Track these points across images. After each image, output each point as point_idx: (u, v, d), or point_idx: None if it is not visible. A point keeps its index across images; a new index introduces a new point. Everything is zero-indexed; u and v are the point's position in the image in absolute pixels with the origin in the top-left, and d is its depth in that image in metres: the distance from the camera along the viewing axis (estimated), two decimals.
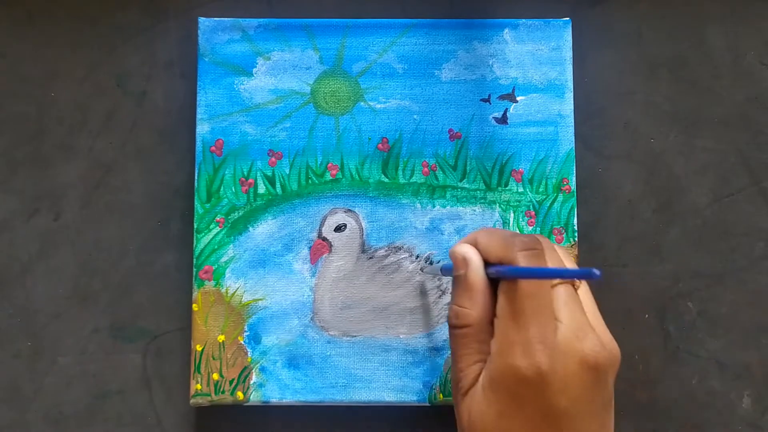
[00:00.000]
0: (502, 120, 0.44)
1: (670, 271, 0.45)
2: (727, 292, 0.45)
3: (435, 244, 0.44)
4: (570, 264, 0.37)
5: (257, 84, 0.44)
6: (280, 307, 0.43)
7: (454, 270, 0.35)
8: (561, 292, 0.33)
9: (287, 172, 0.44)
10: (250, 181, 0.44)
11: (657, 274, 0.45)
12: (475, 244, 0.35)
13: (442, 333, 0.43)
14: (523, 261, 0.32)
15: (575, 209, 0.44)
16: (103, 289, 0.45)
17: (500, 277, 0.33)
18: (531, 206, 0.44)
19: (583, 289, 0.36)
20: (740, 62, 0.47)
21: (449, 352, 0.43)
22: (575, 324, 0.32)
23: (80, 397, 0.45)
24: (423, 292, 0.43)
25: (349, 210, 0.44)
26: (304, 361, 0.43)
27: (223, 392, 0.42)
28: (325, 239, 0.44)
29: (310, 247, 0.44)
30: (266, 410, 0.44)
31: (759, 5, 0.47)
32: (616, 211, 0.46)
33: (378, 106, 0.44)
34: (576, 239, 0.44)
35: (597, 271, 0.28)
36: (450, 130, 0.44)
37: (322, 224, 0.44)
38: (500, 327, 0.32)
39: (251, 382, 0.43)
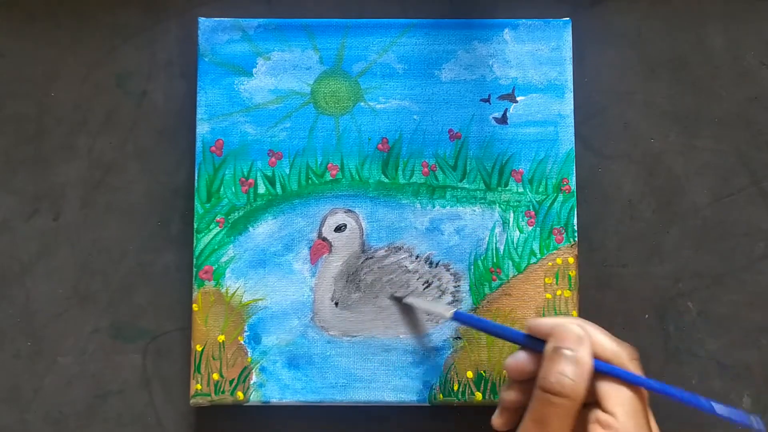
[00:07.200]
0: (502, 120, 0.44)
1: (670, 271, 0.45)
2: (727, 292, 0.45)
3: (435, 244, 0.44)
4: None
5: (257, 84, 0.44)
6: (280, 307, 0.43)
7: (562, 342, 0.35)
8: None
9: (287, 172, 0.44)
10: (250, 181, 0.44)
11: (657, 274, 0.45)
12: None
13: (443, 333, 0.43)
14: (634, 369, 0.35)
15: (575, 209, 0.44)
16: (103, 289, 0.45)
17: (641, 385, 0.34)
18: (531, 206, 0.44)
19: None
20: (740, 62, 0.47)
21: (449, 352, 0.43)
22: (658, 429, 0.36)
23: (80, 397, 0.45)
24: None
25: (349, 210, 0.44)
26: (304, 361, 0.43)
27: (223, 392, 0.42)
28: (325, 239, 0.44)
29: (310, 247, 0.44)
30: (266, 410, 0.44)
31: (759, 5, 0.47)
32: (616, 211, 0.46)
33: (378, 106, 0.44)
34: (576, 239, 0.44)
35: (757, 425, 0.33)
36: (450, 130, 0.44)
37: (322, 224, 0.44)
38: (627, 421, 0.33)
39: (251, 382, 0.43)
